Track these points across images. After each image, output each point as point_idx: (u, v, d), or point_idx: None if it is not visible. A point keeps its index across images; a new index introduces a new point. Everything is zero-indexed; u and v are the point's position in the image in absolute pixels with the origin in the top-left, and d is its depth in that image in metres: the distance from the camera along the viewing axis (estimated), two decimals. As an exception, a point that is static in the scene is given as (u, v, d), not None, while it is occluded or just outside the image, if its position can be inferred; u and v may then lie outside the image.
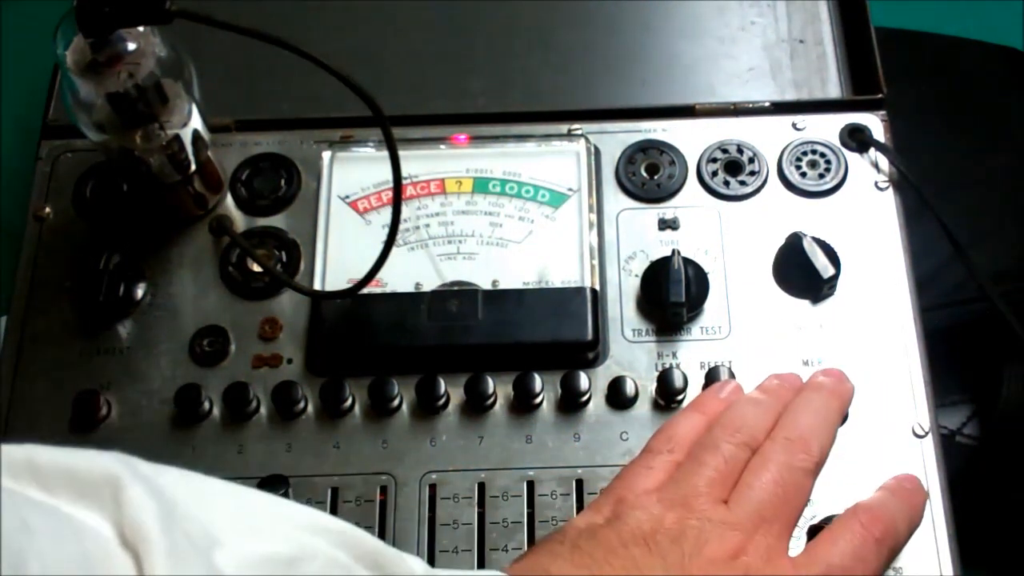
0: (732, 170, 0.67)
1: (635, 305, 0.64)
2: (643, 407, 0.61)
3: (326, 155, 0.67)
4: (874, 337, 0.62)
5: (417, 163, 0.66)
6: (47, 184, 0.68)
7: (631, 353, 0.62)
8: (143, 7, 0.54)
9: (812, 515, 0.56)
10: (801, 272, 0.63)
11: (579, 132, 0.68)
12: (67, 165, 0.68)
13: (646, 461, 0.54)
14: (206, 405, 0.61)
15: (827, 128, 0.68)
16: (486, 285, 0.63)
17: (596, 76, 0.75)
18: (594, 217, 0.65)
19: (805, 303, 0.63)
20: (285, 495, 0.58)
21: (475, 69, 0.75)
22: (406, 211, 0.64)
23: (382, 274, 0.59)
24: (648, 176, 0.67)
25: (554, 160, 0.67)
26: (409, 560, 0.47)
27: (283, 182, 0.68)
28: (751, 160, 0.67)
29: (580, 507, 0.58)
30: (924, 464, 0.59)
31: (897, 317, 0.63)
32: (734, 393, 0.58)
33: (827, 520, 0.54)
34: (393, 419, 0.61)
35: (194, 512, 0.40)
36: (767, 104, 0.70)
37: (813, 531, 0.54)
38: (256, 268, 0.64)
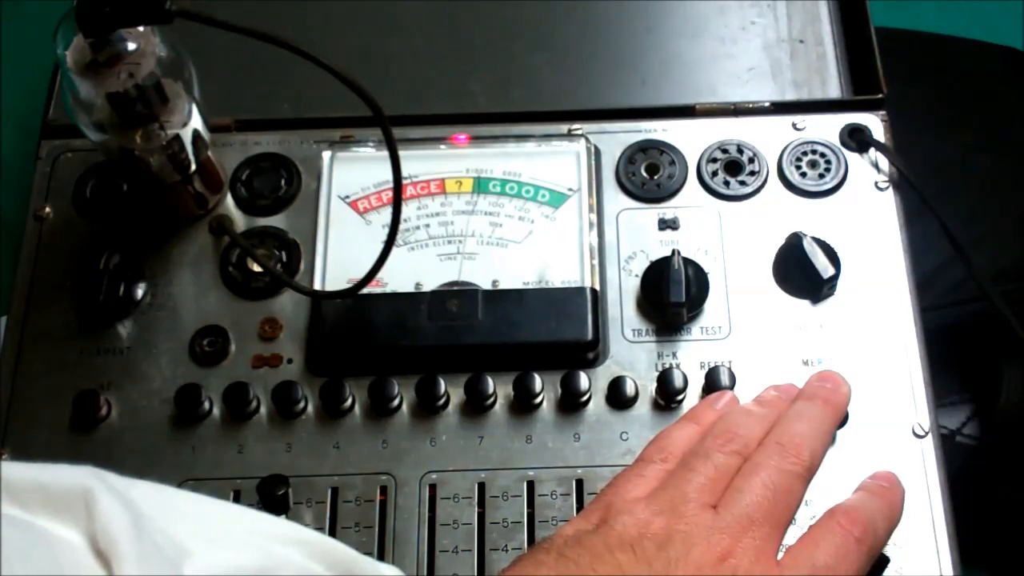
0: (732, 170, 0.67)
1: (635, 305, 0.64)
2: (643, 407, 0.61)
3: (326, 155, 0.67)
4: (874, 337, 0.62)
5: (417, 163, 0.66)
6: (47, 184, 0.68)
7: (631, 353, 0.62)
8: (143, 7, 0.54)
9: (812, 516, 0.56)
10: (801, 272, 0.63)
11: (579, 132, 0.68)
12: (67, 165, 0.68)
13: (638, 470, 0.54)
14: (206, 405, 0.61)
15: (827, 128, 0.68)
16: (486, 285, 0.63)
17: (596, 76, 0.75)
18: (594, 217, 0.65)
19: (805, 303, 0.63)
20: (285, 495, 0.58)
21: (475, 69, 0.75)
22: (406, 211, 0.64)
23: (382, 274, 0.59)
24: (648, 176, 0.67)
25: (554, 160, 0.67)
26: (383, 569, 0.47)
27: (283, 182, 0.68)
28: (751, 160, 0.67)
29: (580, 507, 0.58)
30: (924, 464, 0.59)
31: (897, 317, 0.63)
32: (729, 404, 0.58)
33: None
34: (393, 419, 0.61)
35: (165, 524, 0.41)
36: (767, 104, 0.70)
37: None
38: (256, 268, 0.64)
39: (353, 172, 0.67)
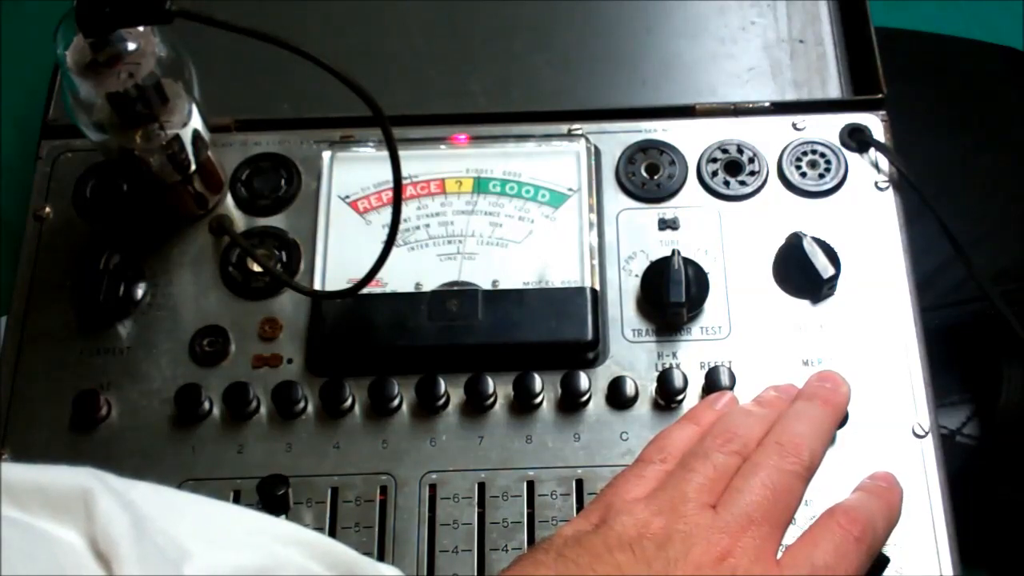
0: (732, 170, 0.67)
1: (635, 305, 0.64)
2: (643, 407, 0.61)
3: (326, 155, 0.67)
4: (874, 337, 0.62)
5: (417, 163, 0.66)
6: (47, 184, 0.68)
7: (631, 353, 0.62)
8: (143, 7, 0.54)
9: (812, 515, 0.56)
10: (801, 272, 0.63)
11: (579, 132, 0.68)
12: (67, 165, 0.68)
13: (638, 470, 0.54)
14: (206, 405, 0.61)
15: (827, 128, 0.68)
16: (486, 285, 0.63)
17: (596, 76, 0.75)
18: (594, 217, 0.65)
19: (805, 303, 0.63)
20: (285, 495, 0.58)
21: (475, 69, 0.75)
22: (406, 211, 0.64)
23: (382, 274, 0.59)
24: (648, 176, 0.67)
25: (554, 160, 0.67)
26: (383, 569, 0.47)
27: (283, 182, 0.68)
28: (751, 160, 0.67)
29: (580, 507, 0.58)
30: (924, 464, 0.59)
31: (897, 317, 0.63)
32: (729, 404, 0.58)
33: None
34: (393, 419, 0.61)
35: (165, 525, 0.41)
36: (767, 104, 0.70)
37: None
38: (256, 268, 0.64)
39: (353, 172, 0.67)
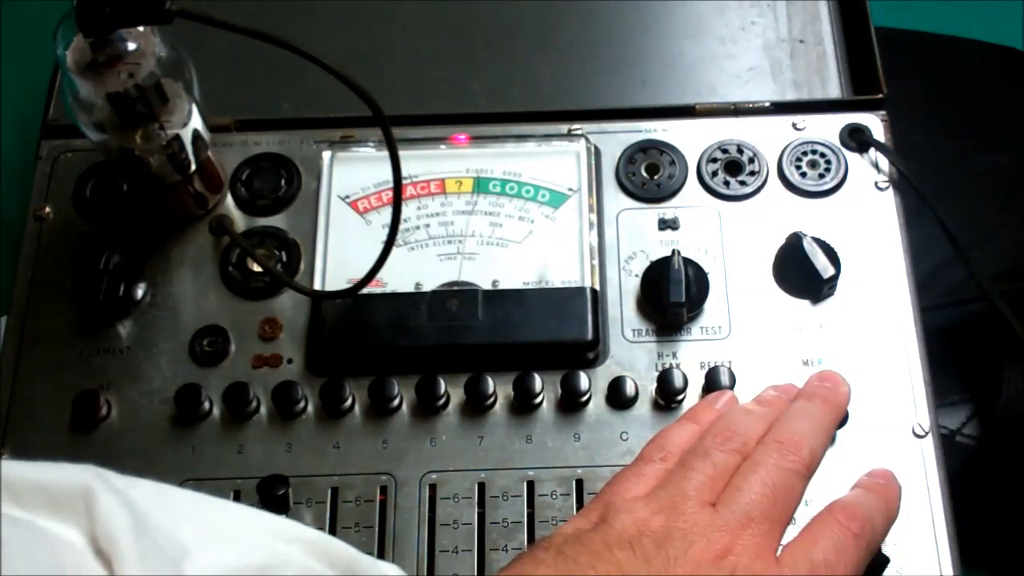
0: (732, 170, 0.67)
1: (635, 305, 0.64)
2: (643, 407, 0.61)
3: (326, 155, 0.67)
4: (874, 337, 0.62)
5: (417, 163, 0.66)
6: (47, 184, 0.68)
7: (631, 353, 0.62)
8: (143, 7, 0.54)
9: (811, 515, 0.56)
10: (801, 272, 0.63)
11: (579, 132, 0.68)
12: (67, 165, 0.68)
13: (637, 468, 0.54)
14: (206, 405, 0.61)
15: (827, 128, 0.68)
16: (486, 285, 0.63)
17: (596, 76, 0.75)
18: (594, 217, 0.65)
19: (805, 303, 0.63)
20: (285, 495, 0.58)
21: (475, 69, 0.75)
22: (406, 211, 0.65)
23: (382, 274, 0.59)
24: (648, 176, 0.67)
25: (554, 160, 0.67)
26: (384, 567, 0.47)
27: (283, 182, 0.68)
28: (751, 160, 0.67)
29: (580, 507, 0.58)
30: (924, 464, 0.59)
31: (897, 317, 0.63)
32: (728, 404, 0.58)
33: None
34: (393, 419, 0.61)
35: (165, 523, 0.41)
36: (767, 104, 0.70)
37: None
38: (256, 268, 0.64)
39: (353, 172, 0.67)
